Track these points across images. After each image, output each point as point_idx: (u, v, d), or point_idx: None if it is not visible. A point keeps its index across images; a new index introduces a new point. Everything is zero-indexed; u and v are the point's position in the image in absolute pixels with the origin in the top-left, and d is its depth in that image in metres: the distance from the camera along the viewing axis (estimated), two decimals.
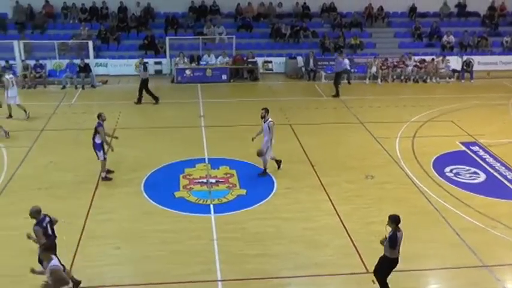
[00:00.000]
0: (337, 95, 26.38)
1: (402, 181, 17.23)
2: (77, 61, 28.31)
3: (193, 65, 29.34)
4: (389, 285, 11.26)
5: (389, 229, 10.87)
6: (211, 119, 22.43)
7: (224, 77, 29.16)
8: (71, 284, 10.17)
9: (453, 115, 23.57)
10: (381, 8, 35.03)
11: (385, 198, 15.87)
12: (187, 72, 28.83)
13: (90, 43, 29.29)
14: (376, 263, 11.36)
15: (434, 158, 18.88)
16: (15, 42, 29.14)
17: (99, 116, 17.00)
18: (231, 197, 15.88)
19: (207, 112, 23.32)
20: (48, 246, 10.47)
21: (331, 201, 15.69)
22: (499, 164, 18.45)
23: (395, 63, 30.23)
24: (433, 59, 30.50)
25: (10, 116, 22.94)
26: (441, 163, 18.47)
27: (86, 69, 28.02)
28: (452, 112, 24.05)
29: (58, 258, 10.40)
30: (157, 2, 32.99)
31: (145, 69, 25.39)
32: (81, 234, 14.09)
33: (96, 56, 29.73)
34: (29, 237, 11.40)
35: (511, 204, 15.89)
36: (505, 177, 17.54)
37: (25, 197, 15.89)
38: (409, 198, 15.94)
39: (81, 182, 16.98)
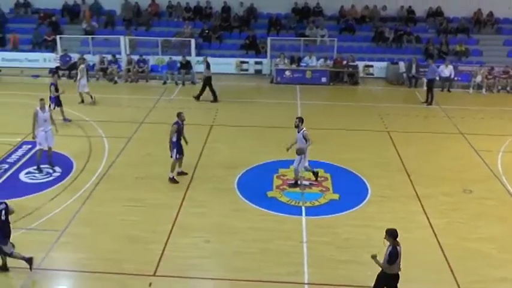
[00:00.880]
0: (428, 102, 25.75)
1: (503, 198, 16.47)
2: (179, 58, 29.13)
3: (294, 66, 29.46)
4: None
5: (387, 243, 10.40)
6: (308, 121, 22.14)
7: (324, 79, 29.07)
8: None
9: None
10: (491, 14, 33.54)
11: (483, 215, 15.27)
12: (287, 73, 28.98)
13: (193, 41, 30.05)
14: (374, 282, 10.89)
15: None
16: (121, 38, 30.49)
17: (179, 115, 17.30)
18: (323, 201, 15.83)
19: (305, 114, 23.09)
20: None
21: (425, 213, 15.28)
22: None
23: (503, 73, 28.95)
24: None
25: (82, 101, 25.08)
26: None
27: (187, 66, 28.81)
28: None
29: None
30: (260, 2, 33.36)
31: (208, 67, 25.96)
32: (173, 225, 14.55)
33: (198, 54, 30.43)
34: None
35: None
36: None
37: (123, 185, 16.76)
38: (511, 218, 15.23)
39: (177, 176, 17.48)
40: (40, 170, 17.95)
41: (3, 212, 12.19)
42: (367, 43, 32.58)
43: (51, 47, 31.88)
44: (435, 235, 14.15)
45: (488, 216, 15.16)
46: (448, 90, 28.41)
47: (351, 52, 30.38)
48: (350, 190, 16.53)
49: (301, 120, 16.86)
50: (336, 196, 16.13)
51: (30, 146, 19.64)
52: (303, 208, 15.33)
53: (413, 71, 29.01)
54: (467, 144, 20.67)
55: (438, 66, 27.72)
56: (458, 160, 19.20)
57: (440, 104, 25.77)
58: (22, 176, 17.74)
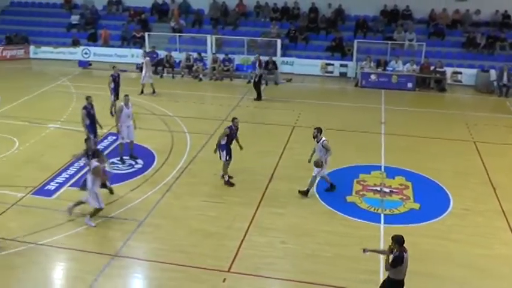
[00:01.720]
0: None
1: None
2: (264, 58, 29.40)
3: (379, 70, 29.13)
4: None
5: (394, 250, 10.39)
6: (392, 126, 22.17)
7: (410, 85, 28.55)
8: None
9: None
10: None
11: None
12: (373, 77, 28.71)
13: (279, 41, 30.23)
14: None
15: None
16: (208, 37, 31.12)
17: (233, 120, 17.49)
18: (403, 210, 15.65)
19: (389, 119, 23.08)
20: None
21: (511, 230, 14.78)
22: None
23: None
24: None
25: (142, 92, 26.59)
26: None
27: (272, 66, 29.04)
28: None
29: None
30: (348, 4, 33.15)
31: (260, 66, 26.63)
32: (250, 223, 14.83)
33: (283, 55, 30.62)
34: None
35: None
36: None
37: (202, 180, 17.20)
38: None
39: (256, 173, 17.84)
40: (123, 162, 18.79)
41: None
42: (456, 49, 31.61)
43: (139, 43, 32.98)
44: None
45: None
46: None
47: (439, 57, 29.67)
48: (431, 200, 16.24)
49: (319, 130, 16.54)
50: (416, 206, 15.89)
51: (114, 138, 20.46)
52: (382, 215, 15.24)
53: (505, 79, 27.91)
54: None
55: None
56: None
57: None
58: (107, 165, 18.53)
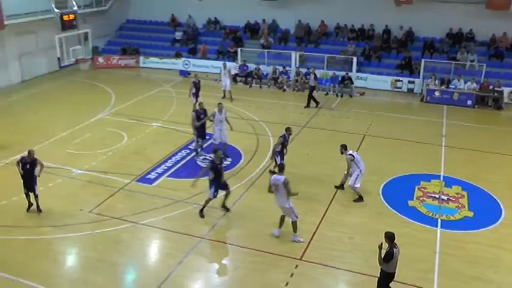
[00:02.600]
0: None
1: None
2: (341, 73, 29.11)
3: (443, 87, 28.12)
4: None
5: (386, 246, 10.19)
6: (452, 139, 21.41)
7: (469, 102, 27.37)
8: None
9: None
10: None
11: None
12: (437, 93, 27.78)
13: (355, 59, 29.75)
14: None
15: None
16: (292, 53, 30.97)
17: (287, 129, 17.36)
18: (458, 217, 15.13)
19: (449, 133, 22.32)
20: None
21: None
22: None
23: None
24: None
25: (224, 97, 26.72)
26: None
27: (347, 80, 28.70)
28: None
29: None
30: (418, 26, 32.10)
31: (315, 78, 26.48)
32: (322, 219, 14.78)
33: (358, 71, 30.09)
34: None
35: None
36: None
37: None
38: None
39: (328, 175, 17.64)
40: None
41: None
42: None
43: (232, 57, 33.20)
44: None
45: None
46: None
47: (498, 78, 28.25)
48: (485, 210, 15.59)
49: (343, 147, 16.22)
50: (470, 214, 15.31)
51: (207, 137, 20.78)
52: (439, 221, 14.79)
53: None
54: None
55: None
56: None
57: None
58: (199, 161, 19.01)
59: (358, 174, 15.89)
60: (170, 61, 34.76)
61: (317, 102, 26.17)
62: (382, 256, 10.39)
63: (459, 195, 16.38)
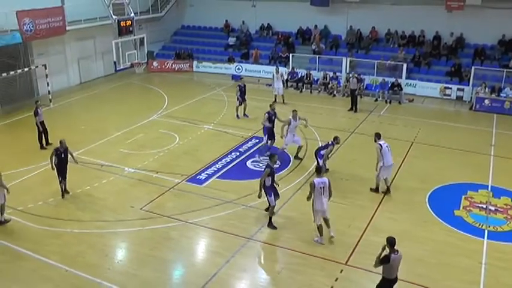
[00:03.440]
0: None
1: None
2: (391, 79, 28.72)
3: (493, 95, 27.30)
4: None
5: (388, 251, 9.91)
6: (502, 149, 20.74)
7: None
8: None
9: None
10: None
11: None
12: (486, 101, 26.98)
13: (405, 65, 29.25)
14: None
15: None
16: (343, 59, 30.76)
17: (335, 138, 17.46)
18: (507, 228, 14.57)
19: (499, 142, 21.63)
20: None
21: None
22: None
23: None
24: None
25: (275, 101, 26.77)
26: None
27: (397, 87, 28.30)
28: None
29: None
30: (469, 33, 31.25)
31: (358, 81, 26.91)
32: (368, 224, 14.62)
33: (407, 77, 29.60)
34: None
35: None
36: None
37: (334, 183, 16.96)
38: None
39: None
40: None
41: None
42: None
43: (284, 62, 33.22)
44: None
45: None
46: None
47: None
48: None
49: (377, 135, 16.61)
50: None
51: (257, 141, 20.90)
52: (486, 231, 14.32)
53: None
54: None
55: None
56: None
57: None
58: (249, 163, 19.09)
59: (381, 166, 16.14)
60: (223, 66, 35.13)
61: (353, 107, 26.17)
62: (380, 258, 10.29)
63: (508, 207, 15.80)
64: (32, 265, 12.81)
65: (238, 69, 34.39)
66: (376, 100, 28.35)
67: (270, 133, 19.72)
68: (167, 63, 36.08)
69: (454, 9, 30.04)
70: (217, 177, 17.83)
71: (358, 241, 13.75)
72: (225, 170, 18.32)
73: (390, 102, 28.07)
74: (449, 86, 29.10)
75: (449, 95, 28.95)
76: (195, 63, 36.08)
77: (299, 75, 31.16)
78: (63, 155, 16.17)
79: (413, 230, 14.30)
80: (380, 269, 10.50)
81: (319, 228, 13.70)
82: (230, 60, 35.19)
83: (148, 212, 15.35)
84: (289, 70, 31.27)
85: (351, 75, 28.03)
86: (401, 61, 30.14)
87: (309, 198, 13.68)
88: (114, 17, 26.08)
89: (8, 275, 12.46)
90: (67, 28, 28.36)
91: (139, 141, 21.50)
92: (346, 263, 12.79)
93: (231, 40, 37.15)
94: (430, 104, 28.09)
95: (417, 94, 29.30)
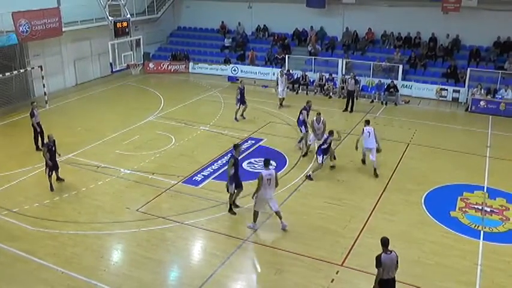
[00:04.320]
0: None
1: None
2: (387, 81, 28.75)
3: (489, 97, 27.36)
4: None
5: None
6: (497, 150, 20.78)
7: None
8: None
9: None
10: None
11: None
12: (482, 103, 27.04)
13: (401, 67, 29.31)
14: None
15: None
16: (339, 60, 30.82)
17: (331, 132, 17.87)
18: (502, 229, 14.58)
19: (495, 143, 21.67)
20: None
21: None
22: None
23: None
24: None
25: (281, 105, 26.97)
26: None
27: (393, 88, 28.33)
28: None
29: None
30: (465, 35, 31.33)
31: (356, 83, 27.21)
32: (364, 225, 14.61)
33: (403, 79, 29.65)
34: None
35: None
36: None
37: (326, 183, 17.10)
38: None
39: (372, 183, 17.52)
40: (305, 155, 19.90)
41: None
42: None
43: (280, 63, 33.28)
44: None
45: None
46: None
47: None
48: None
49: (366, 121, 18.62)
50: None
51: (253, 142, 20.91)
52: (482, 232, 14.33)
53: None
54: None
55: None
56: None
57: None
58: (245, 164, 18.95)
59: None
60: (219, 67, 35.13)
61: (348, 107, 26.31)
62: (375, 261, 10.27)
63: (503, 208, 15.81)
64: (27, 267, 12.75)
65: (234, 70, 34.37)
66: (372, 101, 28.40)
67: (306, 125, 20.50)
68: (163, 65, 36.07)
69: (450, 10, 30.11)
70: (213, 179, 17.78)
71: (354, 242, 13.73)
72: (221, 171, 18.26)
73: (386, 103, 28.10)
74: (445, 87, 29.18)
75: (445, 97, 29.02)
76: (191, 64, 36.09)
77: (295, 77, 31.18)
78: (53, 148, 16.85)
79: (410, 231, 14.30)
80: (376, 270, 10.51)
81: (255, 214, 14.31)
82: (226, 61, 35.20)
83: (144, 214, 15.31)
84: (285, 71, 31.29)
85: (348, 76, 28.05)
86: (397, 62, 30.20)
87: (256, 191, 14.07)
88: (110, 18, 26.04)
89: (3, 276, 12.40)
90: (63, 29, 28.27)
91: (135, 142, 21.46)
92: (342, 264, 12.78)
93: (227, 41, 37.15)
94: (426, 105, 28.15)
95: (413, 95, 29.35)
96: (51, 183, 16.91)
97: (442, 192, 16.85)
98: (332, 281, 12.12)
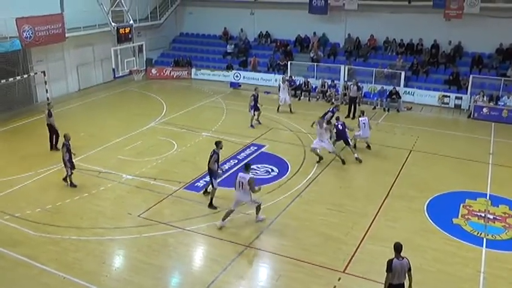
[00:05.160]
0: None
1: None
2: (389, 87, 28.76)
3: (491, 104, 27.35)
4: None
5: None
6: (500, 157, 20.73)
7: None
8: None
9: None
10: None
11: None
12: (485, 110, 27.00)
13: (403, 73, 29.28)
14: None
15: None
16: (342, 67, 30.84)
17: (330, 123, 18.96)
18: (505, 237, 14.53)
19: (498, 151, 21.62)
20: None
21: None
22: None
23: None
24: None
25: (278, 110, 27.19)
26: None
27: (395, 95, 28.34)
28: None
29: None
30: (467, 41, 31.35)
31: (358, 89, 27.14)
32: (366, 232, 14.56)
33: (406, 85, 29.62)
34: None
35: None
36: None
37: (328, 190, 17.11)
38: None
39: (374, 189, 17.49)
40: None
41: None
42: None
43: (282, 70, 33.34)
44: None
45: None
46: None
47: None
48: None
49: (361, 112, 20.61)
50: None
51: (255, 148, 20.91)
52: (484, 240, 14.27)
53: None
54: None
55: None
56: None
57: None
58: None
59: (358, 134, 20.68)
60: (221, 73, 35.20)
61: (350, 113, 26.36)
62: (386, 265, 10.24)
63: (506, 215, 15.75)
64: (29, 271, 12.74)
65: (237, 76, 34.42)
66: (375, 108, 28.40)
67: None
68: (166, 71, 36.13)
69: (452, 17, 30.13)
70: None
71: (356, 249, 13.69)
72: (222, 177, 18.27)
73: (388, 110, 28.10)
74: (448, 94, 29.17)
75: (448, 103, 29.00)
76: (193, 70, 36.14)
77: (297, 83, 31.21)
78: (70, 147, 17.46)
79: (412, 238, 14.22)
80: (378, 276, 10.48)
81: (227, 213, 14.73)
82: (228, 67, 35.26)
83: (145, 219, 15.30)
84: (287, 78, 31.34)
85: (350, 82, 28.06)
86: (399, 69, 30.21)
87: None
88: (113, 24, 26.10)
89: (4, 281, 12.40)
90: (66, 35, 28.37)
91: (137, 148, 21.47)
92: (344, 271, 12.73)
93: (230, 48, 37.20)
94: (428, 112, 28.14)
95: (415, 102, 29.34)
96: (71, 182, 17.40)
97: (444, 199, 16.80)
98: None
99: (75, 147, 20.29)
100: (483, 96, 27.39)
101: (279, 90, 27.78)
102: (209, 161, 16.13)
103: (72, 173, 17.49)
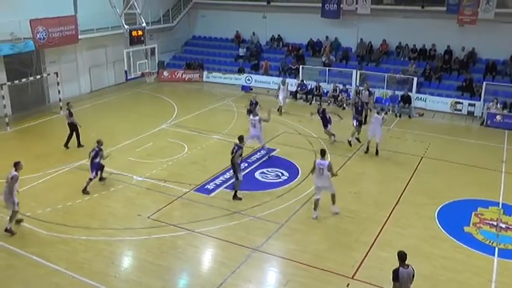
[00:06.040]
0: None
1: None
2: (401, 93, 28.64)
3: (505, 111, 27.14)
4: None
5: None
6: None
7: None
8: None
9: None
10: None
11: None
12: (498, 117, 26.79)
13: (415, 79, 29.15)
14: None
15: None
16: (353, 71, 30.77)
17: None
18: None
19: (510, 159, 21.40)
20: None
21: None
22: None
23: None
24: None
25: (280, 112, 27.55)
26: None
27: (407, 100, 28.24)
28: None
29: None
30: (481, 48, 31.11)
31: (369, 94, 27.33)
32: (376, 238, 14.52)
33: (418, 91, 29.47)
34: None
35: None
36: None
37: (338, 195, 16.74)
38: None
39: (386, 195, 17.41)
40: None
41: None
42: None
43: (294, 74, 33.32)
44: None
45: None
46: None
47: None
48: None
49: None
50: None
51: (265, 152, 20.90)
52: (496, 249, 14.14)
53: None
54: None
55: None
56: None
57: None
58: (257, 174, 19.08)
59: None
60: (233, 76, 35.28)
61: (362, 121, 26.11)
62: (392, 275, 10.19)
63: None
64: (39, 271, 12.85)
65: (248, 80, 34.46)
66: (386, 113, 28.15)
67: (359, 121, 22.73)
68: (177, 73, 36.28)
69: (466, 23, 29.96)
70: (225, 188, 17.80)
71: (366, 255, 13.65)
72: (233, 180, 18.28)
73: (400, 116, 27.99)
74: (460, 100, 28.93)
75: (460, 110, 28.77)
76: (205, 73, 36.27)
77: (308, 87, 31.21)
78: (102, 152, 17.72)
79: (422, 246, 14.17)
80: (387, 283, 10.43)
81: (316, 203, 15.56)
82: (240, 71, 35.32)
83: (155, 221, 15.37)
84: (299, 82, 31.34)
85: (362, 87, 27.99)
86: (411, 75, 30.06)
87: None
88: (126, 26, 26.30)
89: (15, 280, 12.51)
90: (79, 37, 28.60)
91: (148, 149, 21.57)
92: (352, 277, 12.69)
93: (242, 51, 37.33)
94: (441, 118, 27.99)
95: (427, 108, 29.16)
96: (87, 187, 17.37)
97: (456, 207, 16.69)
98: None
99: (86, 148, 20.49)
100: (497, 104, 27.15)
101: (278, 90, 27.97)
102: (233, 156, 16.71)
103: (96, 175, 17.61)
